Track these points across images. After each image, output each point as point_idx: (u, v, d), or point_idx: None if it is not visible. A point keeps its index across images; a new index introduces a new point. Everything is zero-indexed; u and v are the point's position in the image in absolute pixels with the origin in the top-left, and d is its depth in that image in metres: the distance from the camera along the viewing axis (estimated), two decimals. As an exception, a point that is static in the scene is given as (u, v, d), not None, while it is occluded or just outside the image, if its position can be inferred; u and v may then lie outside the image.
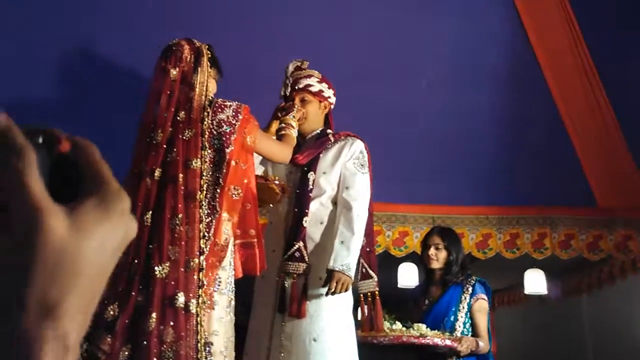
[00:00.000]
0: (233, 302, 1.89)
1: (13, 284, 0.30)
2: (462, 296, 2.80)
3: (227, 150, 1.84)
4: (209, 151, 1.84)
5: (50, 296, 0.31)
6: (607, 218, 3.56)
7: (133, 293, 1.68)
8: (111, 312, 1.67)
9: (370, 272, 2.38)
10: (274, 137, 2.18)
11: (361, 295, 2.34)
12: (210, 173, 1.83)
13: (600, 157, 3.55)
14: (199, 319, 1.68)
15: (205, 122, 1.86)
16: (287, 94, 2.37)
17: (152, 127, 1.87)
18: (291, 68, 2.40)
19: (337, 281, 2.11)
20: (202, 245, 1.74)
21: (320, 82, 2.38)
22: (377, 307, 2.36)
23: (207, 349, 1.71)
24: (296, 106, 2.28)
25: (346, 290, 2.15)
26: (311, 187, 2.27)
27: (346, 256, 2.14)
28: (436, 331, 2.72)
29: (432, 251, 2.83)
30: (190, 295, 1.68)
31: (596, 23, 3.25)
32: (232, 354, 1.86)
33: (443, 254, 2.83)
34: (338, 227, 2.20)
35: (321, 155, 2.33)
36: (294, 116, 2.24)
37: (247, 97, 3.02)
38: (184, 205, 1.75)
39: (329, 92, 2.40)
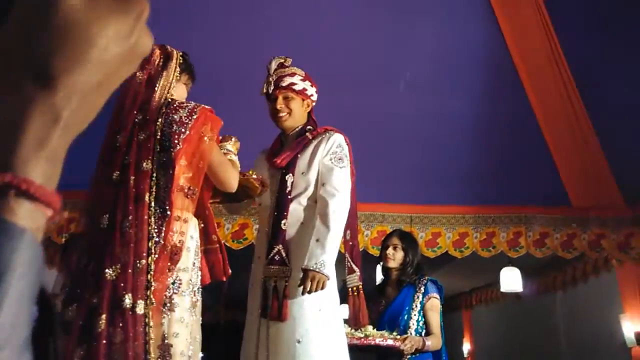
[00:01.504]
0: (199, 304, 1.90)
1: (24, 45, 0.30)
2: (415, 295, 2.89)
3: (174, 150, 1.83)
4: (161, 153, 1.84)
5: (52, 64, 0.30)
6: (581, 217, 3.64)
7: (87, 295, 1.71)
8: (69, 313, 1.71)
9: (354, 266, 2.37)
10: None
11: (349, 290, 2.33)
12: (162, 174, 1.83)
13: (575, 158, 3.63)
14: (147, 320, 1.69)
15: (158, 123, 1.86)
16: (270, 91, 2.35)
17: (116, 130, 1.90)
18: (274, 65, 2.37)
19: (311, 280, 2.07)
20: (150, 246, 1.75)
21: (303, 80, 2.35)
22: (360, 302, 2.34)
23: (164, 350, 1.73)
24: (233, 139, 2.17)
25: (322, 289, 2.10)
26: (289, 188, 2.24)
27: (320, 254, 2.10)
28: (384, 331, 2.80)
29: (389, 251, 2.94)
30: (138, 296, 1.69)
31: (571, 27, 3.32)
32: (197, 354, 1.88)
33: (400, 255, 2.93)
34: (315, 225, 2.16)
35: (299, 155, 2.30)
36: (231, 145, 2.14)
37: (230, 95, 3.05)
38: (134, 207, 1.77)
39: (311, 90, 2.39)
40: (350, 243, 2.38)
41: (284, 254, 2.19)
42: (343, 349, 2.22)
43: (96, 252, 1.75)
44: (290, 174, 2.28)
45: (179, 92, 2.03)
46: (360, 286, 2.35)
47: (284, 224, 2.21)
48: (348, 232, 2.33)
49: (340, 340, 2.22)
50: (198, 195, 1.91)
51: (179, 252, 1.82)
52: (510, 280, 4.37)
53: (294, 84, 2.35)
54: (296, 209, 2.25)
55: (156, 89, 1.93)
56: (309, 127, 2.39)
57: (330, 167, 2.26)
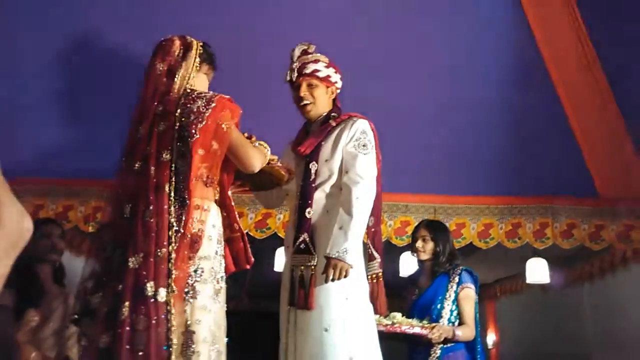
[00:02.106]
0: (223, 291, 1.92)
1: None
2: (449, 285, 2.86)
3: (192, 140, 1.85)
4: (180, 143, 1.86)
5: None
6: (609, 208, 3.57)
7: (112, 283, 1.76)
8: (96, 301, 1.78)
9: (375, 253, 2.35)
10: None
11: (368, 277, 2.30)
12: (181, 164, 1.85)
13: (603, 148, 3.55)
14: (169, 307, 1.73)
15: (177, 114, 1.88)
16: (293, 79, 2.33)
17: (138, 121, 1.93)
18: (297, 52, 2.35)
19: (334, 268, 2.06)
20: (171, 235, 1.77)
21: (327, 66, 2.33)
22: (379, 290, 2.32)
23: (187, 337, 1.75)
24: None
25: (345, 277, 2.08)
26: (313, 177, 2.23)
27: (343, 242, 2.08)
28: (413, 320, 2.77)
29: (419, 243, 2.93)
30: (160, 284, 1.73)
31: (599, 13, 3.24)
32: (222, 341, 1.90)
33: (430, 245, 2.91)
34: (339, 212, 2.15)
35: (322, 143, 2.28)
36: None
37: (250, 85, 3.06)
38: (154, 197, 1.80)
39: (336, 77, 2.36)
40: (373, 229, 2.36)
41: (309, 243, 2.19)
42: (372, 337, 2.19)
43: (120, 241, 1.81)
44: (314, 162, 2.27)
45: (200, 82, 2.05)
46: (380, 273, 2.34)
47: (309, 213, 2.21)
48: (371, 218, 2.31)
49: (369, 328, 2.19)
50: (217, 182, 1.93)
51: (199, 241, 1.83)
52: (537, 271, 4.31)
53: (317, 70, 2.32)
54: (321, 197, 2.24)
55: (175, 79, 1.96)
56: (333, 114, 2.37)
57: (354, 154, 2.23)
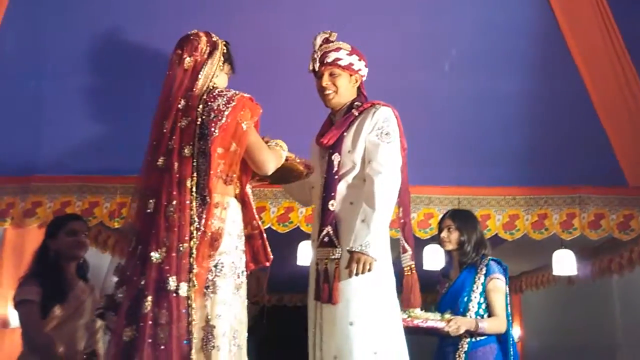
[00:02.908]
0: (244, 286, 1.95)
1: None
2: (476, 276, 2.80)
3: (211, 138, 1.87)
4: (201, 141, 1.89)
5: None
6: (638, 197, 3.48)
7: (135, 278, 1.79)
8: (120, 295, 1.82)
9: (406, 245, 2.30)
10: None
11: (402, 269, 2.27)
12: (202, 162, 1.88)
13: (630, 136, 3.47)
14: (190, 301, 1.75)
15: (198, 110, 1.90)
16: (316, 68, 2.31)
17: (162, 116, 1.96)
18: (319, 41, 2.32)
19: (356, 261, 2.02)
20: (192, 230, 1.80)
21: (350, 54, 2.28)
22: (413, 282, 2.28)
23: (207, 331, 1.79)
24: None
25: (369, 270, 2.04)
26: (336, 168, 2.18)
27: (366, 235, 2.03)
28: (431, 313, 2.71)
29: (444, 234, 2.88)
30: (182, 279, 1.76)
31: (626, 1, 3.17)
32: (243, 336, 1.92)
33: (455, 235, 2.86)
34: (362, 204, 2.10)
35: (345, 133, 2.23)
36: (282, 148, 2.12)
37: (274, 74, 3.06)
38: (177, 192, 1.83)
39: (359, 64, 2.31)
40: (402, 221, 2.32)
41: (333, 236, 2.17)
42: (398, 331, 2.16)
43: (144, 236, 1.84)
44: (337, 153, 2.23)
45: (221, 81, 2.08)
46: (413, 265, 2.30)
47: (332, 205, 2.18)
48: (400, 209, 2.28)
49: (394, 322, 2.16)
50: (237, 179, 1.95)
51: (219, 239, 1.86)
52: (564, 263, 4.24)
53: (339, 59, 2.29)
54: (344, 189, 2.20)
55: (200, 76, 1.98)
56: (356, 103, 2.33)
57: (376, 143, 2.18)
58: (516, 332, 7.22)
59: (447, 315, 2.72)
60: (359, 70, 2.34)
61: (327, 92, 2.32)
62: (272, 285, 5.14)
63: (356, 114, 2.28)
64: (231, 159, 1.91)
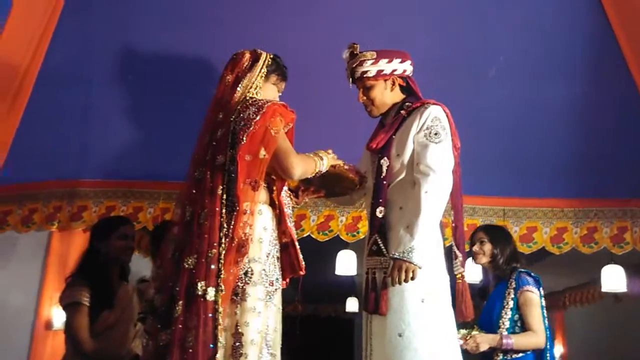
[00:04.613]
0: (278, 294, 1.95)
1: None
2: (506, 291, 2.71)
3: (238, 145, 1.90)
4: (232, 149, 1.92)
5: None
6: (694, 211, 3.31)
7: (171, 284, 1.85)
8: (159, 300, 1.88)
9: (457, 251, 2.22)
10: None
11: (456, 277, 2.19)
12: (232, 169, 1.91)
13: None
14: (217, 306, 1.78)
15: (232, 120, 1.95)
16: (350, 85, 2.31)
17: (205, 129, 2.04)
18: (346, 57, 2.29)
19: (398, 269, 1.93)
20: (221, 236, 1.83)
21: (375, 62, 2.20)
22: (464, 291, 2.20)
23: (236, 338, 1.81)
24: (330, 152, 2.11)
25: (412, 279, 1.95)
26: (384, 173, 2.11)
27: (409, 241, 1.94)
28: (465, 330, 2.60)
29: (476, 247, 2.83)
30: (210, 284, 1.79)
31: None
32: (277, 344, 1.92)
33: (488, 247, 2.80)
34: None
35: (393, 136, 2.16)
36: (325, 154, 2.09)
37: (311, 85, 3.06)
38: (209, 200, 1.88)
39: (390, 67, 2.22)
40: (454, 225, 2.22)
41: (380, 244, 2.10)
42: (451, 342, 2.06)
43: (180, 243, 1.90)
44: (385, 158, 2.16)
45: (269, 92, 2.11)
46: (463, 272, 2.22)
47: (380, 212, 2.11)
48: (452, 212, 2.20)
49: (447, 332, 2.06)
50: (264, 185, 1.97)
51: (246, 245, 1.87)
52: (613, 279, 4.07)
53: (365, 72, 2.25)
54: (393, 194, 2.13)
55: (238, 88, 2.03)
56: (407, 102, 2.27)
57: (424, 144, 2.08)
58: (558, 350, 6.98)
59: (463, 331, 2.61)
60: (393, 71, 2.24)
61: (366, 107, 2.31)
62: (307, 296, 5.11)
63: (405, 114, 2.22)
64: (259, 165, 1.92)
